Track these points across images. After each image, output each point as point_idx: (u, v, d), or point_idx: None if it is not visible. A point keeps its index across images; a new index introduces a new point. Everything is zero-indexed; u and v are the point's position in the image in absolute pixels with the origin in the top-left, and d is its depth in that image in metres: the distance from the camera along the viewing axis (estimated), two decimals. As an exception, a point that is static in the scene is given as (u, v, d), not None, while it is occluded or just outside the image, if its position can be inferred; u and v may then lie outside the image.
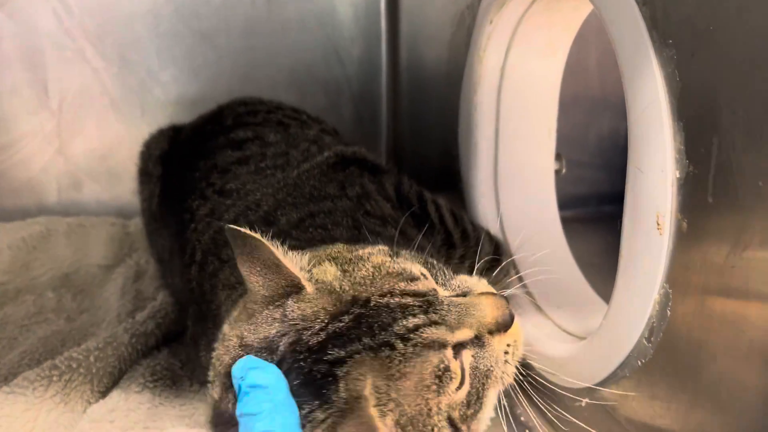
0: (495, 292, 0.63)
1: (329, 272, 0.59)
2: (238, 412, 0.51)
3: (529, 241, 1.00)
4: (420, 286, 0.58)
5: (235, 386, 0.53)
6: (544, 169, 1.03)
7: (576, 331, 0.82)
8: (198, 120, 1.19)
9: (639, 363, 0.63)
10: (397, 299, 0.56)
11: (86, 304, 1.17)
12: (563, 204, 1.05)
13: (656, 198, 0.57)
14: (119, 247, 1.34)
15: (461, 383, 0.57)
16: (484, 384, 0.59)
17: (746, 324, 0.51)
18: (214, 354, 0.61)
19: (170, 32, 1.43)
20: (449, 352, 0.56)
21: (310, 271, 0.59)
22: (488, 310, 0.59)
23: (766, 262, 0.48)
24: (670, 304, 0.58)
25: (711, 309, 0.55)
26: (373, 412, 0.51)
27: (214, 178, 0.96)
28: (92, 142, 1.45)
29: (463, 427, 0.58)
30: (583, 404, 0.74)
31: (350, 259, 0.61)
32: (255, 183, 0.91)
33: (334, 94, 1.55)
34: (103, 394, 0.90)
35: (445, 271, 0.65)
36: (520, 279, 0.96)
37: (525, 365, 0.84)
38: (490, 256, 0.89)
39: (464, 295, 0.61)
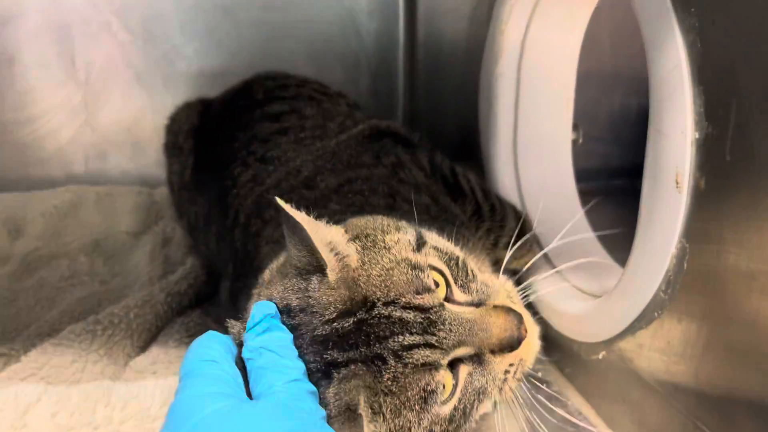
0: (512, 306, 0.61)
1: (353, 258, 0.59)
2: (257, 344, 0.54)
3: (547, 208, 1.04)
4: (426, 300, 0.57)
5: (256, 320, 0.56)
6: (562, 139, 1.07)
7: (593, 290, 0.86)
8: (227, 94, 1.23)
9: (656, 315, 0.68)
10: (399, 313, 0.55)
11: (117, 269, 1.21)
12: (576, 178, 1.09)
13: (676, 158, 0.61)
14: (146, 215, 1.38)
15: (449, 397, 0.57)
16: (473, 401, 0.59)
17: (759, 275, 0.55)
18: (254, 292, 0.66)
19: (193, 6, 1.46)
20: (441, 372, 0.56)
21: (338, 252, 0.60)
22: (495, 330, 0.58)
23: (779, 215, 0.52)
24: (687, 258, 0.62)
25: (725, 262, 0.59)
26: (366, 428, 0.53)
27: (254, 147, 1.00)
28: (118, 113, 1.49)
29: None
30: (600, 357, 0.79)
31: (377, 244, 0.61)
32: (295, 151, 0.95)
33: (351, 67, 1.58)
34: (143, 348, 0.95)
35: (469, 270, 0.64)
36: (539, 244, 1.00)
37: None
38: (515, 231, 0.91)
39: (478, 304, 0.61)
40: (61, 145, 1.48)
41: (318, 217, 0.61)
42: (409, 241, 0.62)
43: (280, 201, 0.58)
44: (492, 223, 0.93)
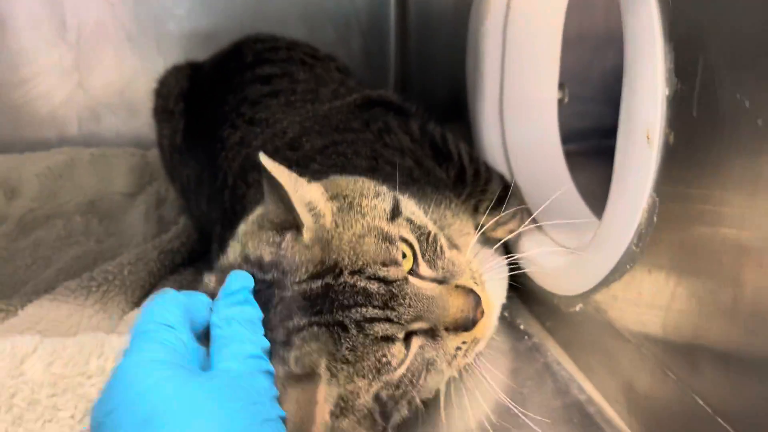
0: (473, 287, 0.62)
1: (328, 219, 0.60)
2: (224, 315, 0.55)
3: (532, 167, 1.06)
4: (392, 272, 0.58)
5: (231, 289, 0.57)
6: (547, 99, 1.08)
7: (573, 245, 0.88)
8: (216, 57, 1.23)
9: (628, 267, 0.70)
10: (363, 283, 0.56)
11: (112, 229, 1.24)
12: (567, 138, 1.11)
13: (647, 114, 0.62)
14: (140, 176, 1.40)
15: (399, 365, 0.58)
16: (422, 371, 0.61)
17: (722, 222, 0.57)
18: (231, 243, 0.67)
19: (183, -34, 1.46)
20: (398, 345, 0.57)
21: (316, 212, 0.60)
22: (452, 310, 0.60)
23: (741, 168, 0.54)
24: (656, 211, 0.64)
25: (692, 215, 0.61)
26: (321, 389, 0.55)
27: (244, 109, 1.01)
28: (110, 75, 1.50)
29: (390, 404, 0.60)
30: (578, 309, 0.82)
31: (353, 208, 0.62)
32: (284, 113, 0.96)
33: (342, 27, 1.58)
34: (136, 304, 0.98)
35: (438, 246, 0.64)
36: (521, 203, 1.02)
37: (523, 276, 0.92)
38: (496, 195, 0.93)
39: (441, 281, 0.62)
40: (54, 107, 1.49)
41: (299, 176, 0.62)
42: (385, 209, 0.63)
43: (262, 156, 0.59)
44: (473, 188, 0.94)
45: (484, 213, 0.89)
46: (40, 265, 1.10)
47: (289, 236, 0.60)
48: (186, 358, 0.50)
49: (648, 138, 0.63)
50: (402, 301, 0.58)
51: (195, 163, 1.10)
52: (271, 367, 0.54)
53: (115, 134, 1.53)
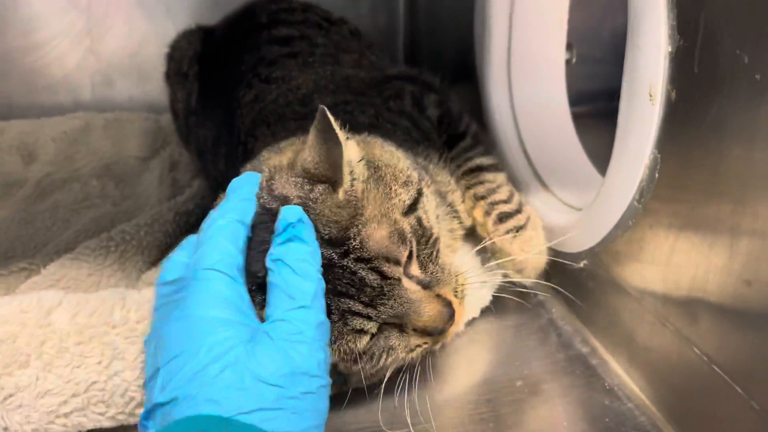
0: (451, 300, 0.63)
1: (359, 187, 0.61)
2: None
3: (540, 128, 1.07)
4: (391, 270, 0.59)
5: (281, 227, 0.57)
6: (555, 59, 1.08)
7: (578, 204, 0.90)
8: (229, 19, 1.24)
9: (630, 223, 0.72)
10: (364, 273, 0.58)
11: (128, 192, 1.26)
12: (575, 100, 1.11)
13: (650, 71, 0.63)
14: (153, 140, 1.42)
15: (362, 350, 0.61)
16: (382, 353, 0.63)
17: (721, 176, 0.58)
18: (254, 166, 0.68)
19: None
20: (367, 337, 0.60)
21: (353, 171, 0.61)
22: (425, 317, 0.61)
23: (739, 122, 0.55)
24: (658, 167, 0.66)
25: (691, 171, 0.62)
26: None
27: (261, 68, 1.02)
28: (121, 40, 1.51)
29: (343, 375, 0.63)
30: (582, 266, 0.84)
31: (381, 184, 0.63)
32: (300, 72, 0.98)
33: (352, -13, 1.58)
34: (153, 264, 1.01)
35: (435, 252, 0.65)
36: (530, 162, 1.03)
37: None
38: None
39: (426, 286, 0.63)
40: (68, 72, 1.51)
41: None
42: (405, 202, 0.64)
43: (323, 108, 0.59)
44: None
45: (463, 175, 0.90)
46: (60, 227, 1.13)
47: (320, 189, 0.60)
48: (244, 311, 0.53)
49: (650, 95, 0.64)
50: (387, 301, 0.60)
51: (211, 124, 1.11)
52: (322, 317, 0.54)
53: (127, 98, 1.55)
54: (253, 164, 0.70)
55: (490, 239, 0.83)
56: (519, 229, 0.84)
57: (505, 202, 0.86)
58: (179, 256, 0.57)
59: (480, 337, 0.86)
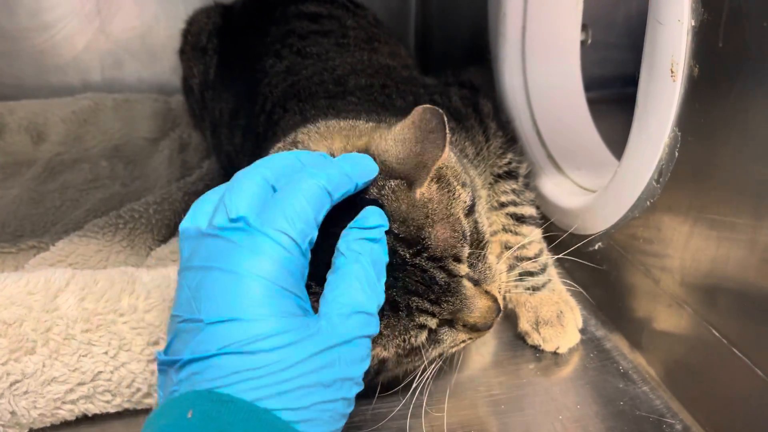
0: (498, 297, 0.64)
1: (434, 187, 0.60)
2: None
3: (554, 110, 1.05)
4: (456, 268, 0.59)
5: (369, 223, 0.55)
6: (570, 40, 1.06)
7: (592, 186, 0.89)
8: None
9: (648, 204, 0.70)
10: (434, 271, 0.58)
11: (137, 173, 1.26)
12: (589, 85, 1.09)
13: (672, 46, 0.62)
14: (163, 121, 1.42)
15: (418, 343, 0.60)
16: (429, 346, 0.62)
17: (744, 156, 0.57)
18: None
19: None
20: (427, 332, 0.60)
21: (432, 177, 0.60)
22: (476, 313, 0.61)
23: (765, 98, 0.54)
24: (678, 146, 0.64)
25: (713, 150, 0.61)
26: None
27: (292, 40, 1.03)
28: (131, 20, 1.50)
29: (389, 364, 0.63)
30: (597, 248, 0.83)
31: (448, 185, 0.62)
32: (337, 53, 0.99)
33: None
34: (162, 242, 1.01)
35: (485, 253, 0.65)
36: (543, 143, 1.02)
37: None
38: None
39: (476, 282, 0.63)
40: (78, 53, 1.50)
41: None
42: (466, 202, 0.63)
43: (437, 109, 0.58)
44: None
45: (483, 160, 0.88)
46: (69, 207, 1.12)
47: (394, 184, 0.58)
48: (299, 295, 0.49)
49: (672, 71, 0.62)
50: (450, 297, 0.59)
51: (229, 96, 1.10)
52: (374, 329, 0.52)
53: (137, 80, 1.54)
54: (285, 144, 0.68)
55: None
56: (536, 289, 0.82)
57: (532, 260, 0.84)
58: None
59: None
